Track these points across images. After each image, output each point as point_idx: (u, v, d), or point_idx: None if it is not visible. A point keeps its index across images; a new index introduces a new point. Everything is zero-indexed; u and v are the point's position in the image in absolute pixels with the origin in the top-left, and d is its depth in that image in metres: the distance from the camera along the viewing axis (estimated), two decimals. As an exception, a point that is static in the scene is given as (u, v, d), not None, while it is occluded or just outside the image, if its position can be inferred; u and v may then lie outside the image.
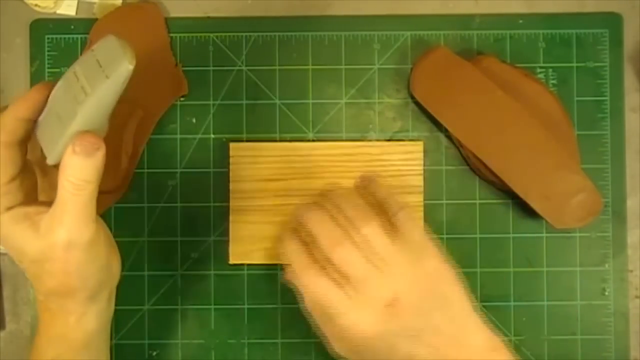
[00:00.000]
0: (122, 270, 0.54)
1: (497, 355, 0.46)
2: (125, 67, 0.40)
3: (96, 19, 0.55)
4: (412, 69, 0.55)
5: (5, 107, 0.53)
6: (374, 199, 0.48)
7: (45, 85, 0.43)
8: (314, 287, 0.45)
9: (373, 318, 0.44)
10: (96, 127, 0.42)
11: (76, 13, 0.56)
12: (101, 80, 0.40)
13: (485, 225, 0.55)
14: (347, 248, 0.45)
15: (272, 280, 0.55)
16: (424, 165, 0.54)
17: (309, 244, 0.46)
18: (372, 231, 0.45)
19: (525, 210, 0.54)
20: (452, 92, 0.53)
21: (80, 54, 0.55)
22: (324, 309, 0.45)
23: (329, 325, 0.46)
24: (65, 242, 0.43)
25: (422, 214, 0.54)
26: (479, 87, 0.52)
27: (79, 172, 0.41)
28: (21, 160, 0.43)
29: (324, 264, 0.45)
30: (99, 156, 0.42)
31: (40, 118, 0.44)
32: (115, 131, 0.53)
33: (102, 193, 0.53)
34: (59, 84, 0.43)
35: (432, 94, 0.54)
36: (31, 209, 0.44)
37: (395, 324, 0.44)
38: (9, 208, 0.43)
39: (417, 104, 0.55)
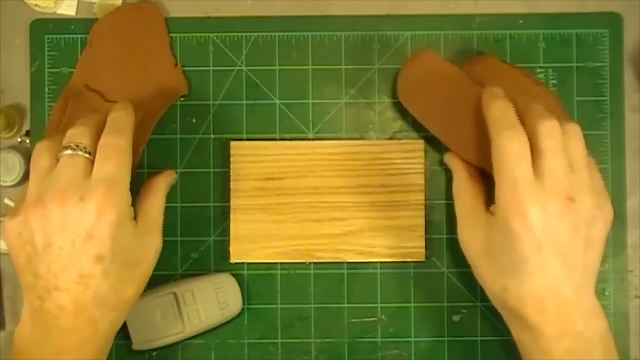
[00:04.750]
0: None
1: (599, 321, 0.46)
2: (238, 309, 0.53)
3: (96, 19, 0.55)
4: (397, 73, 0.54)
5: (7, 107, 0.53)
6: None
7: None
8: (511, 149, 0.45)
9: (554, 204, 0.44)
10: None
11: (76, 13, 0.56)
12: (216, 314, 0.53)
13: (486, 225, 0.55)
14: (556, 139, 0.45)
15: (272, 280, 0.55)
16: (424, 165, 0.54)
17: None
18: (578, 133, 0.47)
19: (526, 210, 0.53)
20: (439, 99, 0.52)
21: (80, 55, 0.55)
22: (511, 179, 0.45)
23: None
24: (159, 249, 0.48)
25: (423, 212, 0.54)
26: (466, 93, 0.51)
27: None
28: None
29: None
30: None
31: (135, 309, 0.50)
32: None
33: None
34: (168, 296, 0.53)
35: (418, 100, 0.53)
36: (132, 210, 0.47)
37: (566, 221, 0.44)
38: (129, 205, 0.46)
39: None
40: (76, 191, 0.44)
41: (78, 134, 0.46)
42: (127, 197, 0.46)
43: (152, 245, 0.48)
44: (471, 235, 0.49)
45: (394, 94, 0.55)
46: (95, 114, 0.50)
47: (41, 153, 0.47)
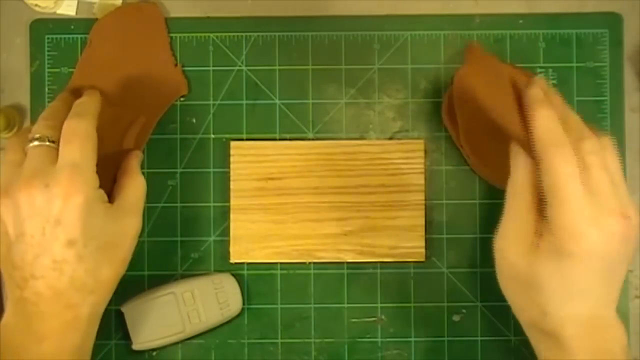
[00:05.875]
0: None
1: (622, 333, 0.45)
2: (238, 309, 0.53)
3: (96, 19, 0.55)
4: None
5: (7, 107, 0.53)
6: None
7: None
8: (562, 170, 0.43)
9: (610, 223, 0.42)
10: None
11: (76, 13, 0.56)
12: (216, 314, 0.53)
13: (485, 225, 0.55)
14: (599, 155, 0.44)
15: (272, 280, 0.55)
16: (424, 165, 0.54)
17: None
18: (612, 146, 0.45)
19: (526, 210, 0.53)
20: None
21: (80, 55, 0.55)
22: (564, 199, 0.43)
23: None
24: (137, 231, 0.48)
25: (423, 212, 0.54)
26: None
27: None
28: None
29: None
30: None
31: (131, 305, 0.53)
32: (116, 138, 0.53)
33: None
34: (168, 296, 0.53)
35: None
36: (103, 193, 0.46)
37: (623, 241, 0.43)
38: (97, 187, 0.46)
39: (417, 103, 0.55)
40: (41, 178, 0.44)
41: (43, 126, 0.47)
42: (93, 180, 0.45)
43: (130, 226, 0.48)
44: (516, 254, 0.45)
45: (395, 94, 0.55)
46: (61, 103, 0.50)
47: (10, 148, 0.48)
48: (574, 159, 0.43)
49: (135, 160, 0.51)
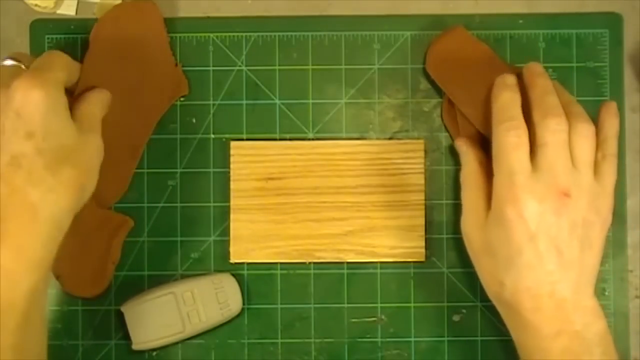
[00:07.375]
0: (122, 270, 0.54)
1: (598, 321, 0.46)
2: (238, 309, 0.53)
3: (96, 19, 0.55)
4: (428, 47, 0.54)
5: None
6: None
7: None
8: (507, 140, 0.46)
9: (549, 198, 0.45)
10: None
11: (76, 13, 0.56)
12: (216, 314, 0.53)
13: (486, 225, 0.55)
14: (558, 135, 0.46)
15: (272, 280, 0.55)
16: (424, 165, 0.55)
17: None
18: (586, 133, 0.47)
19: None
20: (467, 73, 0.53)
21: (80, 55, 0.55)
22: (508, 169, 0.46)
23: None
24: (98, 149, 0.48)
25: (423, 212, 0.54)
26: (494, 70, 0.52)
27: None
28: None
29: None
30: None
31: (131, 305, 0.53)
32: (104, 239, 0.53)
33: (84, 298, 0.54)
34: (168, 296, 0.53)
35: (447, 73, 0.53)
36: (67, 102, 0.46)
37: (562, 218, 0.45)
38: (62, 94, 0.45)
39: (417, 103, 0.55)
40: (4, 83, 0.44)
41: (22, 54, 0.49)
42: (58, 84, 0.45)
43: (91, 141, 0.47)
44: (473, 229, 0.49)
45: (395, 94, 0.55)
46: None
47: None
48: (520, 132, 0.46)
49: (94, 93, 0.50)
